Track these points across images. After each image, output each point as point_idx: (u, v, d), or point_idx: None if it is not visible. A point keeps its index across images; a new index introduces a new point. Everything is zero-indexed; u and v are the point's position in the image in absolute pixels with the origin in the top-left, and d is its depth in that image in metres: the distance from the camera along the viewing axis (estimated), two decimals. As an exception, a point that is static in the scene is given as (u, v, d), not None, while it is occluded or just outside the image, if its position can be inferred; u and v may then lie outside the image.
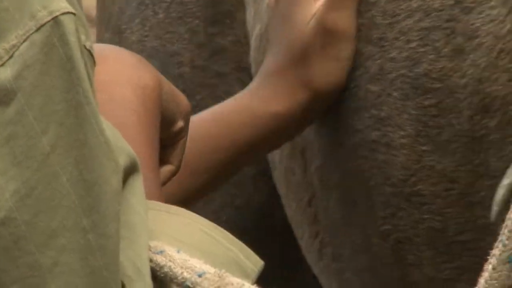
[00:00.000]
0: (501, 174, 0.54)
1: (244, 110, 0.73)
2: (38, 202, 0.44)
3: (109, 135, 0.47)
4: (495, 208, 0.53)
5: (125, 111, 0.55)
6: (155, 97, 0.56)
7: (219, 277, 0.48)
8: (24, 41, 0.44)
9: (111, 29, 0.97)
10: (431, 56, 0.60)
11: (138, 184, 0.50)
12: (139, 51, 0.77)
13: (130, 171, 0.49)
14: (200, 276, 0.48)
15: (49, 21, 0.45)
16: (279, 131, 0.72)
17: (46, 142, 0.45)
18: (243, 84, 0.79)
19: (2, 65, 0.43)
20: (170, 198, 0.59)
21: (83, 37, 0.45)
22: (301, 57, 0.72)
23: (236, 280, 0.48)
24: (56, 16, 0.45)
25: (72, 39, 0.46)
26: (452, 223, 0.61)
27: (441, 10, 0.59)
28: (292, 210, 0.81)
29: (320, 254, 0.77)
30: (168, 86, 0.60)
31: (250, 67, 0.81)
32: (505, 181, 0.54)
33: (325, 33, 0.70)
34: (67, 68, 0.46)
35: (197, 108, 0.72)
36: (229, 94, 0.77)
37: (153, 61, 0.67)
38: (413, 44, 0.61)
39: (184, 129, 0.60)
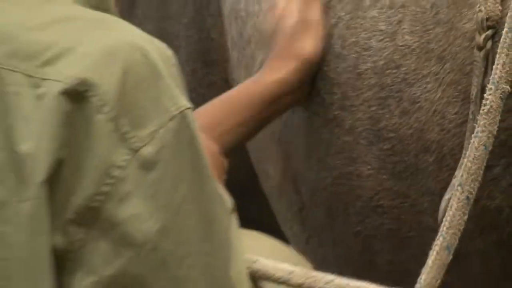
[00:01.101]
0: (439, 192, 0.75)
1: (256, 82, 0.91)
2: (176, 235, 0.60)
3: (221, 189, 0.66)
4: (440, 214, 0.72)
5: None
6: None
7: (305, 272, 0.67)
8: (161, 128, 0.59)
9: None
10: (387, 116, 0.78)
11: (234, 220, 0.70)
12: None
13: (231, 212, 0.68)
14: (290, 273, 0.67)
15: (178, 114, 0.60)
16: (283, 94, 0.90)
17: (179, 196, 0.60)
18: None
19: (146, 144, 0.58)
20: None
21: None
22: (287, 41, 0.92)
23: (318, 273, 0.66)
24: (183, 111, 0.61)
25: (193, 125, 0.62)
26: (404, 225, 0.80)
27: (392, 85, 0.78)
28: (282, 211, 1.00)
29: (307, 241, 0.96)
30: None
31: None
32: (446, 196, 0.72)
33: (301, 23, 0.91)
34: (191, 146, 0.62)
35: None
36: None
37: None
38: (373, 108, 0.80)
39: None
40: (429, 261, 0.70)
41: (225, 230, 0.65)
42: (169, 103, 0.61)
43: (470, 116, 0.73)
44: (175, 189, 0.61)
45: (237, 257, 0.66)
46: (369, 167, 0.83)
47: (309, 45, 0.91)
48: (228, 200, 0.69)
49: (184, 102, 0.62)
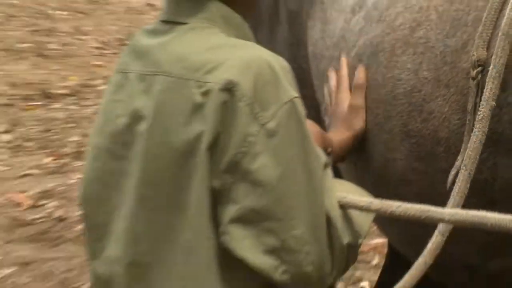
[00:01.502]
0: (447, 170, 1.04)
1: (328, 137, 1.14)
2: (289, 179, 0.83)
3: (319, 151, 0.91)
4: (448, 183, 1.01)
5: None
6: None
7: (380, 202, 0.89)
8: (279, 110, 0.83)
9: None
10: (412, 122, 1.12)
11: (329, 171, 0.94)
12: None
13: (325, 167, 0.92)
14: (370, 203, 0.90)
15: (289, 101, 0.85)
16: (341, 149, 1.16)
17: (291, 154, 0.84)
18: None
19: (269, 121, 0.81)
20: None
21: None
22: (344, 119, 1.21)
23: (393, 202, 0.87)
24: (292, 99, 0.86)
25: (300, 109, 0.86)
26: (424, 192, 1.13)
27: (416, 103, 1.11)
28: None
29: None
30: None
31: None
32: (452, 172, 1.02)
33: (351, 111, 1.21)
34: (298, 121, 0.86)
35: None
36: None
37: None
38: (404, 117, 1.13)
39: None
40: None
41: (320, 177, 0.90)
42: (284, 95, 0.86)
43: (468, 122, 1.02)
44: (289, 149, 0.86)
45: (330, 194, 0.91)
46: (401, 154, 1.16)
47: (359, 124, 1.21)
48: (323, 157, 0.93)
49: (293, 93, 0.87)
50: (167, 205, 0.87)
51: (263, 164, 0.82)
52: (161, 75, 0.87)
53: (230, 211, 0.84)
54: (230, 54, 0.86)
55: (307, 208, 0.86)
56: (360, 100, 1.21)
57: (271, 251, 0.84)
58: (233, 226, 0.84)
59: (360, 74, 1.21)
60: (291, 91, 0.86)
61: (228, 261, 0.85)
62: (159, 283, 0.90)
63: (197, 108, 0.83)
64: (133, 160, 0.89)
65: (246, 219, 0.84)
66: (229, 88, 0.82)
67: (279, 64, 0.87)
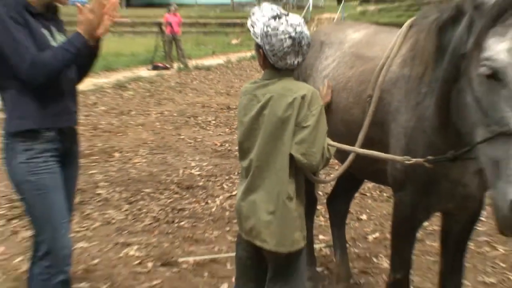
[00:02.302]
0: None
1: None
2: (317, 132, 2.54)
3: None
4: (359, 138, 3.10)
5: None
6: None
7: (339, 144, 2.91)
8: (317, 108, 2.44)
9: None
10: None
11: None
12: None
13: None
14: (336, 144, 2.82)
15: (320, 105, 2.48)
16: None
17: (318, 123, 2.46)
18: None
19: (314, 111, 2.42)
20: None
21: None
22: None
23: (342, 145, 2.81)
24: (321, 105, 2.53)
25: (323, 109, 2.50)
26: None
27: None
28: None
29: None
30: None
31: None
32: (360, 134, 3.09)
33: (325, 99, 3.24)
34: (322, 114, 2.52)
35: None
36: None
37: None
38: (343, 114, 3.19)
39: None
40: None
41: (325, 132, 2.55)
42: (318, 103, 2.48)
43: (366, 116, 2.82)
44: (318, 121, 2.44)
45: (326, 139, 2.63)
46: (341, 125, 3.16)
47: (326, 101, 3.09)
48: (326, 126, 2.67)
49: (321, 102, 2.57)
50: (274, 139, 2.48)
51: (309, 124, 2.41)
52: (272, 94, 2.47)
53: (295, 139, 2.46)
54: (300, 85, 2.52)
55: (321, 141, 2.53)
56: (327, 98, 3.10)
57: (303, 154, 2.40)
58: (294, 144, 2.35)
59: (328, 90, 3.11)
60: (320, 101, 2.53)
61: (292, 160, 2.55)
62: (267, 174, 2.45)
63: (290, 104, 2.43)
64: (260, 125, 2.53)
65: (298, 142, 2.36)
66: (303, 97, 2.44)
67: (315, 91, 2.55)
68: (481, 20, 1.93)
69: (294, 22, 2.32)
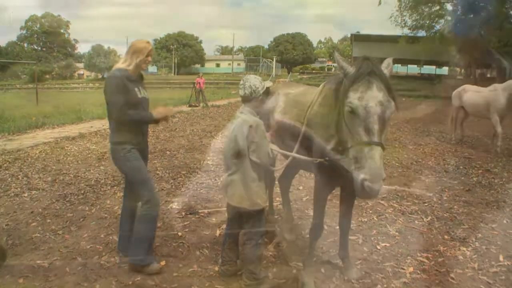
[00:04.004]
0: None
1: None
2: (259, 143, 5.13)
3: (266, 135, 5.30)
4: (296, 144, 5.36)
5: None
6: None
7: (281, 150, 5.28)
8: (259, 126, 4.35)
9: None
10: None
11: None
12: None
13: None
14: (278, 149, 5.20)
15: (259, 123, 4.36)
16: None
17: (262, 136, 4.44)
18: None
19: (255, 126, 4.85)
20: None
21: None
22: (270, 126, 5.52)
23: (286, 151, 5.22)
24: (260, 123, 4.40)
25: (263, 127, 4.63)
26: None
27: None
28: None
29: None
30: None
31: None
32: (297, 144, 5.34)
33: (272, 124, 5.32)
34: (264, 132, 4.96)
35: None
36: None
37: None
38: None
39: None
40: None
41: (267, 140, 4.75)
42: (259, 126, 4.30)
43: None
44: (261, 135, 4.31)
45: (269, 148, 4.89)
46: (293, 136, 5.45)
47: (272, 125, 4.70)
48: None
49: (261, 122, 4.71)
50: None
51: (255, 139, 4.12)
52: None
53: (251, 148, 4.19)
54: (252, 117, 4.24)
55: (266, 148, 4.35)
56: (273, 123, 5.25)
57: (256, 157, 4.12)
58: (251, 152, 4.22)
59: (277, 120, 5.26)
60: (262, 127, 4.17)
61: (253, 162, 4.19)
62: (237, 183, 4.31)
63: (249, 127, 4.57)
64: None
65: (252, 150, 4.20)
66: (251, 125, 4.15)
67: (258, 121, 4.22)
68: (347, 82, 3.42)
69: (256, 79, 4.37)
